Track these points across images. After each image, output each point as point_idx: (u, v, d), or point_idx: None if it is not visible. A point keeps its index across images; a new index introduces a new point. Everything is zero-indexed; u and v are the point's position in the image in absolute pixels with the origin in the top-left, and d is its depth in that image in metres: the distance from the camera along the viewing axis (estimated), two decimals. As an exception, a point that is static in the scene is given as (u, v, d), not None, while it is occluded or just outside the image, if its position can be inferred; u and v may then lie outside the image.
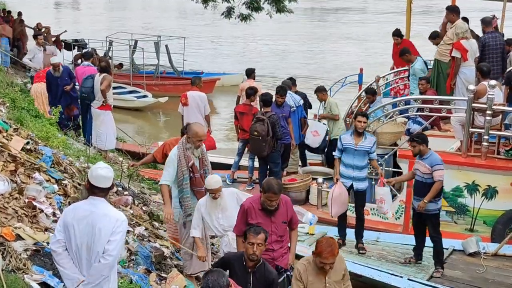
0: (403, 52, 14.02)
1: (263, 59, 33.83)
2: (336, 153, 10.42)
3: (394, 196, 11.72)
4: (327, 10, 59.73)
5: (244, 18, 26.07)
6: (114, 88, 20.70)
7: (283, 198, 7.61)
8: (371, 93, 13.69)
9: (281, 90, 12.89)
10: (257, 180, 13.01)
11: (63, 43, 26.04)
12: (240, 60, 33.66)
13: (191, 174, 8.30)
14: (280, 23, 42.98)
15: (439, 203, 9.49)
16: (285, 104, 12.87)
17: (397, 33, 15.56)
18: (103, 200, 5.44)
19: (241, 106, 13.46)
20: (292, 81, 14.33)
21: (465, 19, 13.09)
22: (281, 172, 12.66)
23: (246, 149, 13.38)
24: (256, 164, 13.19)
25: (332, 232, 10.91)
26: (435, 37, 14.29)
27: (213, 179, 7.97)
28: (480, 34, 13.60)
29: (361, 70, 17.12)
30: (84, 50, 27.92)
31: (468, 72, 12.38)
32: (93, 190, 5.44)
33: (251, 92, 13.28)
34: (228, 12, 26.43)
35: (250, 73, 15.87)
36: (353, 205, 10.51)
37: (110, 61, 23.10)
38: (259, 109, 12.78)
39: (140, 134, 20.30)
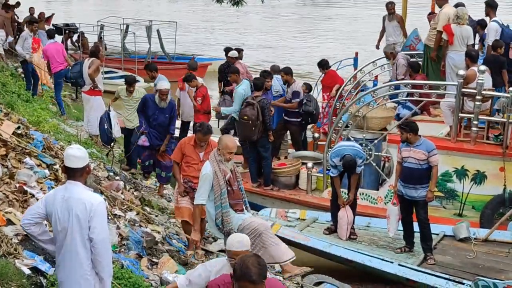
0: (232, 71, 13.49)
1: (252, 46, 33.71)
2: (332, 171, 10.33)
3: (383, 181, 11.79)
4: (319, 2, 59.48)
5: (235, 3, 25.95)
6: (106, 72, 20.71)
7: (272, 285, 5.05)
8: (284, 71, 13.46)
9: (266, 73, 12.93)
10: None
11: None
12: (231, 45, 33.54)
13: (229, 188, 7.86)
14: (271, 14, 43.00)
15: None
16: (269, 91, 12.92)
17: (320, 64, 15.52)
18: (78, 184, 5.34)
19: None
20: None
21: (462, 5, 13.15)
22: (271, 157, 12.66)
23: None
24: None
25: (324, 217, 10.98)
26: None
27: (237, 238, 5.94)
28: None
29: (356, 54, 17.23)
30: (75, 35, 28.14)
31: (456, 57, 12.45)
32: (67, 172, 5.38)
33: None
34: (220, -3, 26.31)
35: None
36: (346, 190, 10.54)
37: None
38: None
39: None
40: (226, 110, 13.24)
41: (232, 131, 13.19)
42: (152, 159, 11.61)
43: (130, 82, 12.44)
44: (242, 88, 12.75)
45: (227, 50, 16.15)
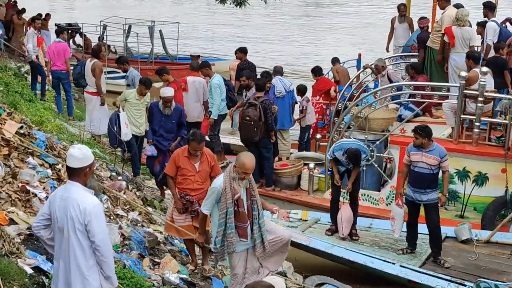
0: (203, 65, 13.74)
1: (255, 47, 33.73)
2: (330, 155, 10.43)
3: (385, 182, 11.80)
4: (322, 3, 59.52)
5: (239, 3, 25.83)
6: (108, 73, 20.73)
7: None
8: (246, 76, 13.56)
9: (266, 75, 12.94)
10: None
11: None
12: (234, 46, 33.55)
13: (236, 208, 7.36)
14: (275, 14, 42.83)
15: (438, 191, 9.59)
16: (270, 92, 12.93)
17: (314, 71, 15.95)
18: (77, 184, 5.34)
19: None
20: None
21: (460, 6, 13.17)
22: (272, 158, 12.67)
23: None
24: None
25: (326, 218, 10.97)
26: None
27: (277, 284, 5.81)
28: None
29: (360, 55, 17.25)
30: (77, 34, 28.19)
31: (458, 58, 12.44)
32: (68, 172, 5.40)
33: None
34: (223, -3, 26.18)
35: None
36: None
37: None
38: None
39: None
40: (214, 111, 13.31)
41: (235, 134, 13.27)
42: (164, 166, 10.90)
43: (147, 84, 12.07)
44: (217, 79, 13.24)
45: (242, 50, 16.11)
